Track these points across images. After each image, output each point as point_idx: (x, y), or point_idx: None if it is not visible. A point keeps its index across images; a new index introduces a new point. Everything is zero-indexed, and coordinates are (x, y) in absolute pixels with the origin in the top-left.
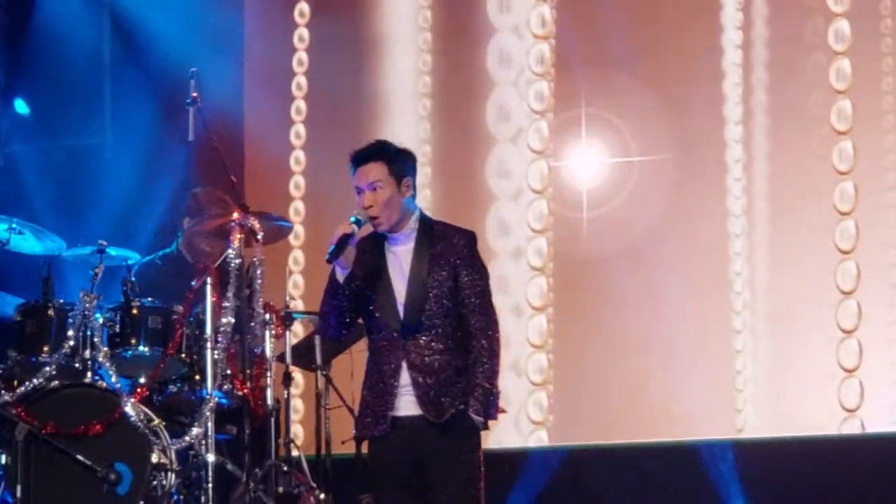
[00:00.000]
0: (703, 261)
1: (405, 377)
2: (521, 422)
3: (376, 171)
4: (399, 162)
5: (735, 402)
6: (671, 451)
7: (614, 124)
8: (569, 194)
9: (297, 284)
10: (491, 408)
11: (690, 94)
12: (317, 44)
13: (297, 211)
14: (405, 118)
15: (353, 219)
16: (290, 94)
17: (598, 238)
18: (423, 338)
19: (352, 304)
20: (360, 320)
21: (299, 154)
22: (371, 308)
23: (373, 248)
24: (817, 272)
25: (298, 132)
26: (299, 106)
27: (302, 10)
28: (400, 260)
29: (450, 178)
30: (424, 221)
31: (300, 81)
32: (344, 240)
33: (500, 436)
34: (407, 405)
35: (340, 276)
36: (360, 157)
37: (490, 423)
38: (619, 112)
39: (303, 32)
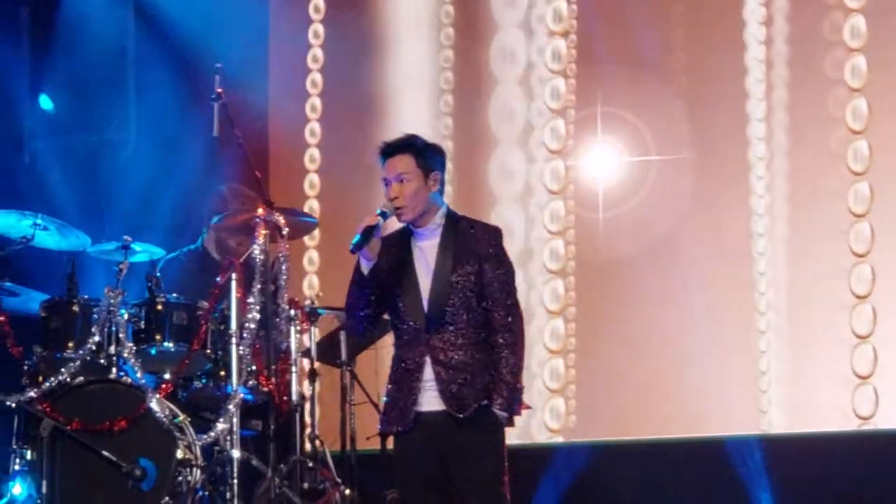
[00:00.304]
0: (726, 261)
1: (429, 372)
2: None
3: (404, 163)
4: (427, 156)
5: (760, 403)
6: (695, 447)
7: (631, 123)
8: (585, 194)
9: (312, 285)
10: (514, 403)
11: (711, 92)
12: (332, 40)
13: (311, 209)
14: (422, 114)
15: (378, 211)
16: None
17: (616, 238)
18: (447, 333)
19: (377, 297)
20: (386, 315)
21: (314, 152)
22: (396, 303)
23: (399, 243)
24: (831, 274)
25: (314, 130)
26: (314, 103)
27: (317, 6)
28: (425, 255)
29: (467, 176)
30: (451, 217)
31: (315, 78)
32: (369, 231)
33: (527, 431)
34: (430, 400)
35: (365, 268)
36: (389, 149)
37: (514, 418)
38: (636, 111)
39: (318, 28)
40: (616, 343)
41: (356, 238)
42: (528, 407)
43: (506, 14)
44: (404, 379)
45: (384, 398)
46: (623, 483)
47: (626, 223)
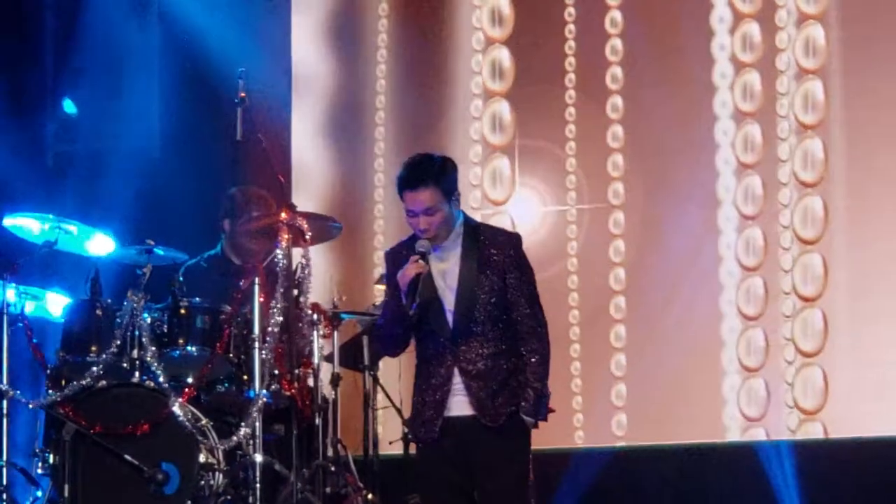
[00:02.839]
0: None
1: (457, 381)
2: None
3: (429, 196)
4: (447, 180)
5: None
6: (722, 452)
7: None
8: None
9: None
10: (542, 408)
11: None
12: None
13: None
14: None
15: (418, 251)
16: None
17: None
18: (474, 343)
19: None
20: None
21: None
22: (421, 317)
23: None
24: None
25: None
26: None
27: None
28: (448, 268)
29: None
30: (469, 225)
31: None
32: (417, 280)
33: (546, 435)
34: (460, 405)
35: (411, 310)
36: (410, 182)
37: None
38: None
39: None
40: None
41: (408, 292)
42: (553, 410)
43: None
44: (432, 387)
45: (413, 405)
46: (644, 488)
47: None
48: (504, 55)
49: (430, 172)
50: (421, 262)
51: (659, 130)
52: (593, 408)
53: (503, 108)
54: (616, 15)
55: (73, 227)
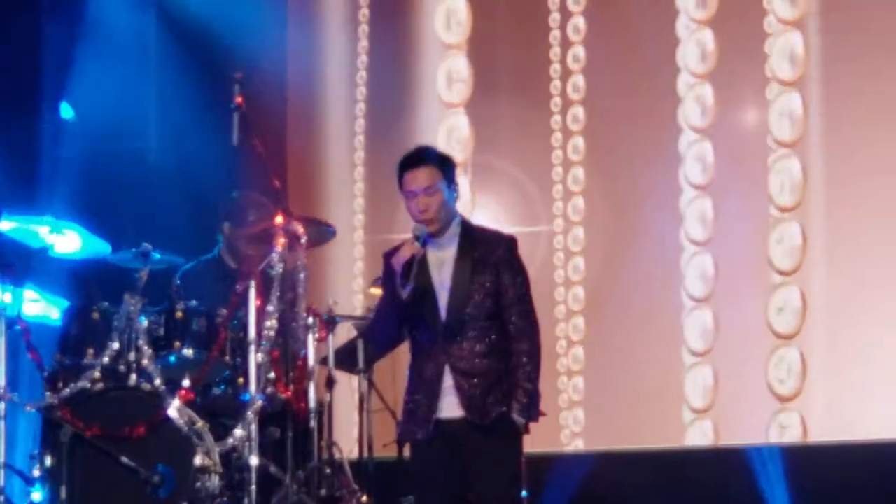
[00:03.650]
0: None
1: (448, 380)
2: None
3: (430, 174)
4: (448, 167)
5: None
6: (710, 456)
7: None
8: None
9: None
10: (533, 409)
11: None
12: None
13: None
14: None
15: (414, 235)
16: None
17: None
18: (466, 341)
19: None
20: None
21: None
22: (414, 313)
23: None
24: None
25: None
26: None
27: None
28: (442, 265)
29: None
30: (465, 225)
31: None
32: (412, 262)
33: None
34: (450, 406)
35: (406, 293)
36: (411, 162)
37: (530, 425)
38: None
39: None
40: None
41: (401, 274)
42: (544, 414)
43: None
44: (423, 387)
45: (405, 406)
46: (631, 492)
47: None
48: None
49: (430, 154)
50: (416, 244)
51: (622, 142)
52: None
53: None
54: (579, 21)
55: (70, 231)
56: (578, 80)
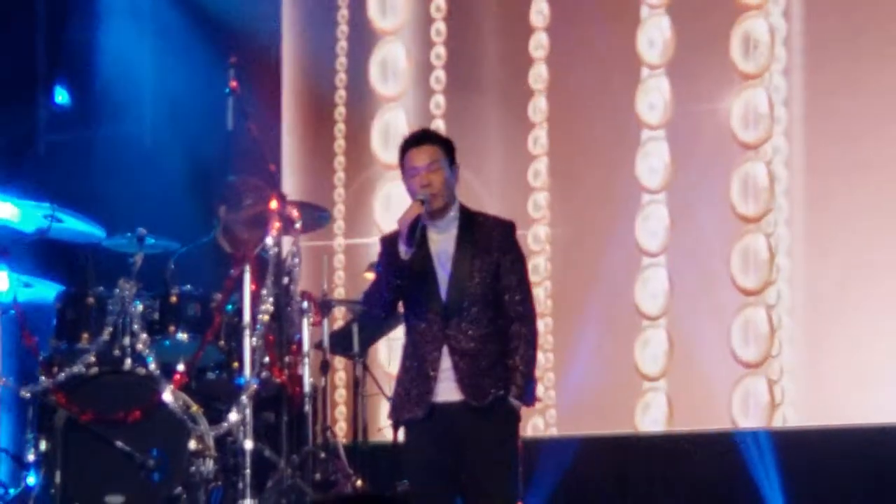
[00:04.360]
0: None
1: (446, 362)
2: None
3: (433, 152)
4: (449, 147)
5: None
6: (697, 441)
7: None
8: None
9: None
10: (530, 393)
11: None
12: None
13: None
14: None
15: (419, 198)
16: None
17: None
18: (465, 323)
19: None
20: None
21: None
22: (412, 294)
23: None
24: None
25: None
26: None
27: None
28: (442, 248)
29: None
30: (465, 210)
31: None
32: (417, 221)
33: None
34: (447, 390)
35: (406, 254)
36: (415, 140)
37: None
38: None
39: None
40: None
41: (407, 235)
42: (539, 399)
43: None
44: (420, 369)
45: (397, 387)
46: (620, 477)
47: None
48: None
49: (434, 134)
50: (422, 206)
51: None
52: None
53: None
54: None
55: (65, 216)
56: (542, 69)
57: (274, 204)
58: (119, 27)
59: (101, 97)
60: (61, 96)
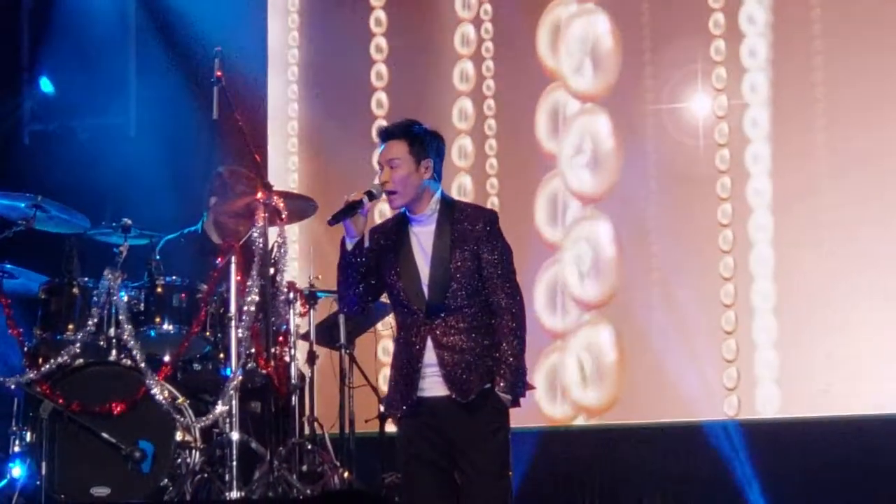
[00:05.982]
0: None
1: (431, 356)
2: None
3: (396, 148)
4: (421, 143)
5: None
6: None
7: None
8: None
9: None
10: (519, 385)
11: None
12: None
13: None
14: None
15: (365, 190)
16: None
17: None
18: (449, 317)
19: (365, 276)
20: (382, 297)
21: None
22: (396, 289)
23: (396, 230)
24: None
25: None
26: None
27: None
28: (422, 241)
29: None
30: (445, 202)
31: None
32: (351, 206)
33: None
34: (433, 386)
35: (349, 244)
36: (385, 134)
37: (519, 400)
38: None
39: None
40: None
41: (336, 212)
42: (533, 387)
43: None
44: (406, 364)
45: (390, 380)
46: (604, 467)
47: None
48: None
49: (401, 129)
50: (364, 195)
51: None
52: None
53: None
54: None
55: (49, 206)
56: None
57: (260, 194)
58: (104, 16)
59: (85, 87)
60: (46, 86)
